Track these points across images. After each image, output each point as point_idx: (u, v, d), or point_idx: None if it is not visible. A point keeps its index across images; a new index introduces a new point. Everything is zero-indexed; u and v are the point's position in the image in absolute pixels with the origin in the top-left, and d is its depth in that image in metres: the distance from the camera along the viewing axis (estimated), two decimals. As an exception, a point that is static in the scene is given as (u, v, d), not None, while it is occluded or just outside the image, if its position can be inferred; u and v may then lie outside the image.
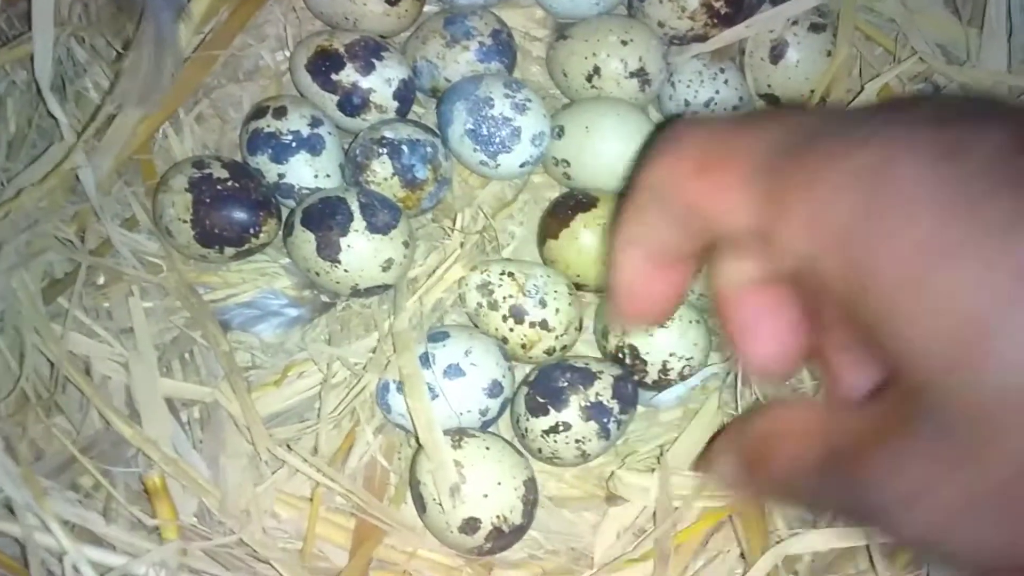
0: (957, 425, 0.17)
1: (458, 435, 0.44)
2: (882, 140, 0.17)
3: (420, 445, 0.43)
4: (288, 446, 0.44)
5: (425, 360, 0.46)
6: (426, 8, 0.55)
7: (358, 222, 0.47)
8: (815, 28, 0.53)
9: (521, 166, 0.50)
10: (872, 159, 0.17)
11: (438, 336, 0.47)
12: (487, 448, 0.45)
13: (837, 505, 0.20)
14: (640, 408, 0.50)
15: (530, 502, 0.46)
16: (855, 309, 0.18)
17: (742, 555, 0.46)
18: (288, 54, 0.54)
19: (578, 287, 0.51)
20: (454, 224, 0.51)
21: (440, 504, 0.43)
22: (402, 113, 0.52)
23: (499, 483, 0.44)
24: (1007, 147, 0.16)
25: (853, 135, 0.18)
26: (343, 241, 0.46)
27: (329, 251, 0.46)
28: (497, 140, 0.49)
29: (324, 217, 0.47)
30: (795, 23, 0.53)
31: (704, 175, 0.20)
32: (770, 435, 0.21)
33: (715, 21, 0.53)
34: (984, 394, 0.16)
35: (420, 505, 0.45)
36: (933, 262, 0.16)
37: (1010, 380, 0.16)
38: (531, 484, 0.46)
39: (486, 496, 0.44)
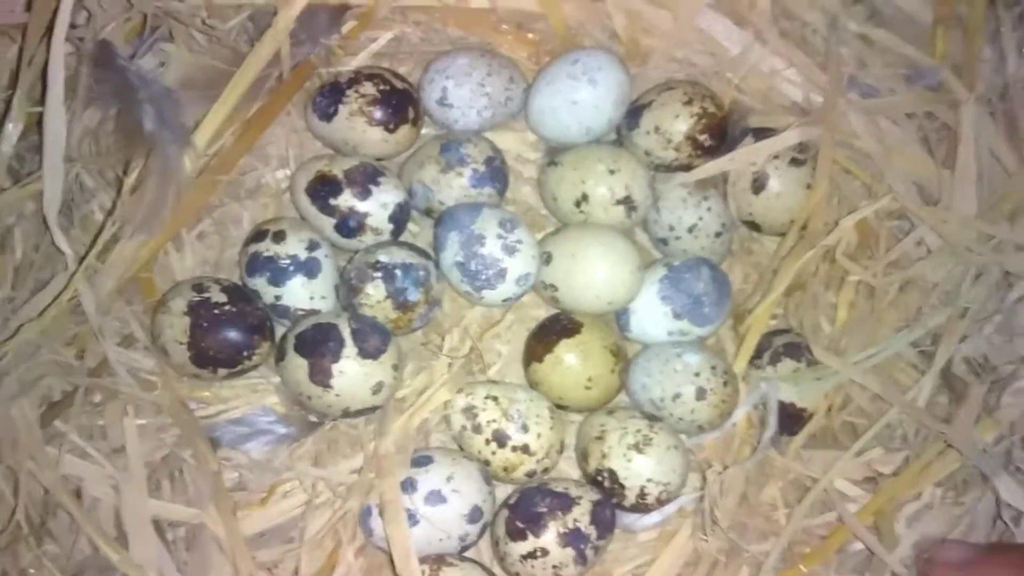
0: None
1: (436, 564, 0.46)
2: None
3: (396, 573, 0.44)
4: (270, 570, 0.45)
5: (407, 486, 0.47)
6: (424, 131, 0.57)
7: (349, 348, 0.48)
8: (795, 163, 0.55)
9: (504, 300, 0.52)
10: None
11: (421, 461, 0.48)
12: (464, 577, 0.46)
13: None
14: (617, 529, 0.51)
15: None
16: None
17: None
18: (289, 172, 0.56)
19: (562, 408, 0.53)
20: (442, 346, 0.52)
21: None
22: (397, 234, 0.53)
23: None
24: None
25: None
26: (335, 367, 0.48)
27: (321, 376, 0.48)
28: (484, 277, 0.50)
29: (316, 343, 0.48)
30: (776, 157, 0.55)
31: None
32: None
33: (699, 152, 0.55)
34: None
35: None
36: None
37: None
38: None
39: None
